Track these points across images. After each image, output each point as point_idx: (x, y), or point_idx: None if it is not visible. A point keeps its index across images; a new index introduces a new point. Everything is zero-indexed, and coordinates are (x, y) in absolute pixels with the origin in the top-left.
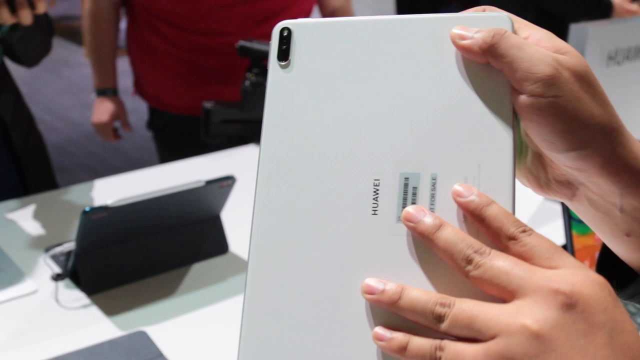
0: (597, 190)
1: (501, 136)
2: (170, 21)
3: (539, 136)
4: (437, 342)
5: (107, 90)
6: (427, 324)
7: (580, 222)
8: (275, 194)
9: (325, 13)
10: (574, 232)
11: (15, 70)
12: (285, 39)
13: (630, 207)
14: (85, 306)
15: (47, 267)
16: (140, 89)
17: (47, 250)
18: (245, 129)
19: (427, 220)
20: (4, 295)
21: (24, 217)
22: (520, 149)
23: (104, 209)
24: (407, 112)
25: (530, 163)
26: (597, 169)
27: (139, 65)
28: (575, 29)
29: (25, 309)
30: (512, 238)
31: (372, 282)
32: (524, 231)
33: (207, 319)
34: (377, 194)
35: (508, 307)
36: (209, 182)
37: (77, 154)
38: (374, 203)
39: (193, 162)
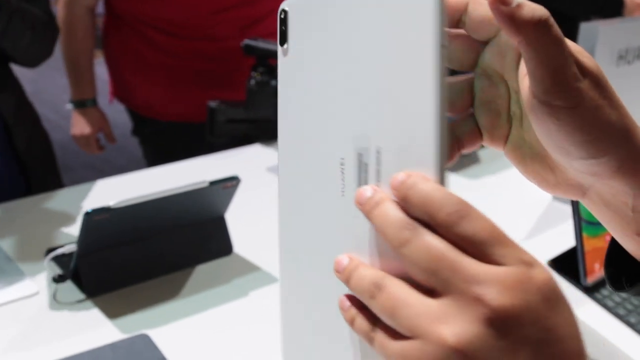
0: (610, 190)
1: (424, 105)
2: (163, 28)
3: (553, 143)
4: (370, 327)
5: (87, 101)
6: (365, 303)
7: (590, 224)
8: (285, 184)
9: None
10: (585, 234)
11: (20, 68)
12: (283, 22)
13: None
14: (86, 308)
15: (48, 268)
16: (126, 96)
17: (48, 251)
18: (250, 129)
19: (367, 194)
20: (5, 296)
21: (26, 217)
22: (521, 120)
23: (106, 210)
24: (361, 87)
25: (530, 156)
26: (612, 173)
27: (127, 74)
28: (585, 28)
29: (26, 310)
30: (444, 223)
31: (339, 259)
32: (459, 215)
33: (211, 322)
34: (343, 173)
35: (432, 306)
36: (213, 183)
37: (81, 153)
38: (341, 184)
39: (197, 162)
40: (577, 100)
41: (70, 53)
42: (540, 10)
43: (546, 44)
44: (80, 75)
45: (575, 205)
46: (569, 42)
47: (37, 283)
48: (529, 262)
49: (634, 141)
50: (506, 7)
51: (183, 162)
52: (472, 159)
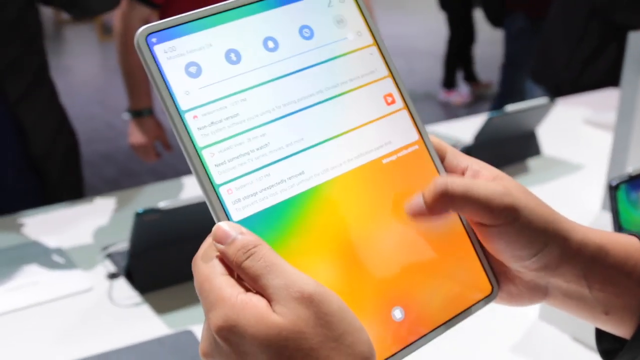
0: (563, 279)
1: None
2: None
3: (508, 254)
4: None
5: (144, 111)
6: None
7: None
8: None
9: None
10: None
11: (89, 75)
12: None
13: (596, 284)
14: (137, 304)
15: (103, 266)
16: None
17: (103, 249)
18: None
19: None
20: (61, 291)
21: (84, 218)
22: None
23: (156, 211)
24: None
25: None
26: (558, 260)
27: None
28: (633, 37)
29: (80, 305)
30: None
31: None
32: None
33: None
34: None
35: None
36: None
37: None
38: None
39: None
40: (514, 213)
41: (126, 64)
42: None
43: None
44: (136, 86)
45: (615, 215)
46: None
47: (92, 279)
48: (281, 292)
49: (566, 227)
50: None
51: None
52: (521, 169)
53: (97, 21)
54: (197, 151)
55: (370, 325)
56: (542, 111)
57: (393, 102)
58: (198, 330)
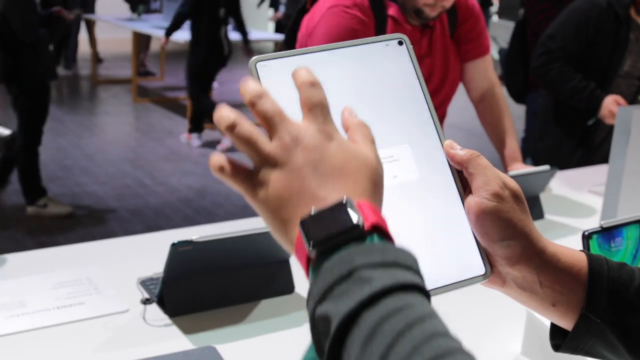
0: (519, 274)
1: None
2: None
3: (482, 229)
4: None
5: None
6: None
7: None
8: None
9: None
10: None
11: (122, 134)
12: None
13: (546, 281)
14: (166, 325)
15: (140, 293)
16: None
17: (139, 279)
18: None
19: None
20: (101, 311)
21: (124, 252)
22: None
23: (189, 242)
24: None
25: None
26: (518, 257)
27: None
28: (621, 110)
29: (116, 324)
30: (248, 103)
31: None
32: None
33: (269, 344)
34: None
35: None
36: None
37: (173, 217)
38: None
39: None
40: (499, 199)
41: None
42: (468, 152)
43: (474, 171)
44: None
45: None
46: (498, 171)
47: (129, 304)
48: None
49: (532, 235)
50: (452, 151)
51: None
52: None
53: (133, 83)
54: None
55: None
56: (545, 177)
57: None
58: (220, 347)
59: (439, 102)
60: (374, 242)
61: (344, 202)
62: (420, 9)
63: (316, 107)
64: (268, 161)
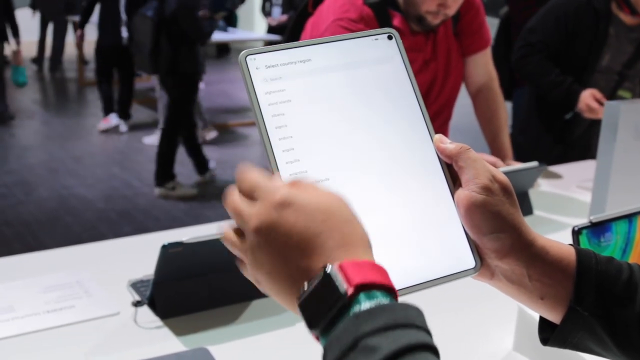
0: (508, 267)
1: None
2: None
3: (472, 222)
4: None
5: None
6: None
7: None
8: None
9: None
10: None
11: (110, 136)
12: None
13: (535, 274)
14: (158, 327)
15: (130, 295)
16: None
17: (130, 281)
18: None
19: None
20: (92, 314)
21: (114, 254)
22: None
23: (179, 244)
24: None
25: None
26: (507, 250)
27: None
28: (608, 105)
29: (108, 326)
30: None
31: None
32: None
33: (262, 344)
34: None
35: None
36: None
37: (162, 218)
38: None
39: None
40: (488, 192)
41: None
42: (458, 146)
43: (464, 164)
44: None
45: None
46: (487, 165)
47: (120, 306)
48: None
49: (522, 230)
50: (442, 145)
51: None
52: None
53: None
54: None
55: None
56: (533, 174)
57: None
58: (213, 348)
59: (443, 103)
60: (363, 303)
61: (328, 272)
62: (423, 16)
63: (254, 192)
64: (252, 254)
